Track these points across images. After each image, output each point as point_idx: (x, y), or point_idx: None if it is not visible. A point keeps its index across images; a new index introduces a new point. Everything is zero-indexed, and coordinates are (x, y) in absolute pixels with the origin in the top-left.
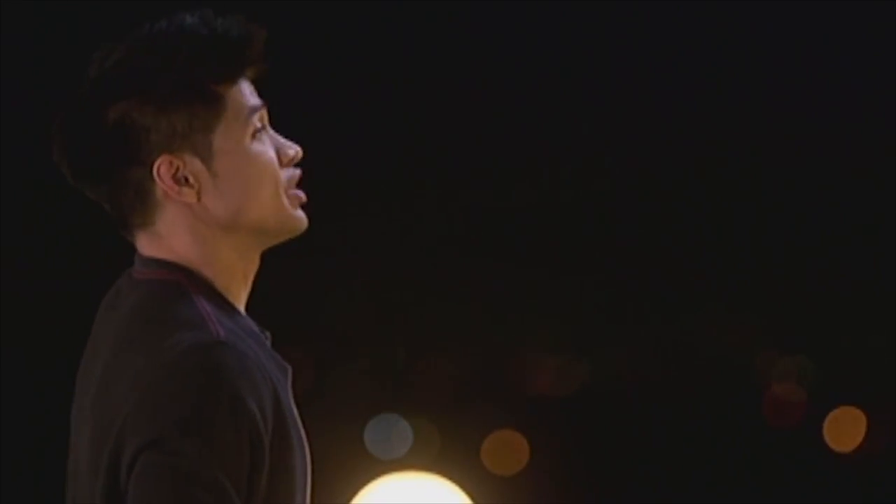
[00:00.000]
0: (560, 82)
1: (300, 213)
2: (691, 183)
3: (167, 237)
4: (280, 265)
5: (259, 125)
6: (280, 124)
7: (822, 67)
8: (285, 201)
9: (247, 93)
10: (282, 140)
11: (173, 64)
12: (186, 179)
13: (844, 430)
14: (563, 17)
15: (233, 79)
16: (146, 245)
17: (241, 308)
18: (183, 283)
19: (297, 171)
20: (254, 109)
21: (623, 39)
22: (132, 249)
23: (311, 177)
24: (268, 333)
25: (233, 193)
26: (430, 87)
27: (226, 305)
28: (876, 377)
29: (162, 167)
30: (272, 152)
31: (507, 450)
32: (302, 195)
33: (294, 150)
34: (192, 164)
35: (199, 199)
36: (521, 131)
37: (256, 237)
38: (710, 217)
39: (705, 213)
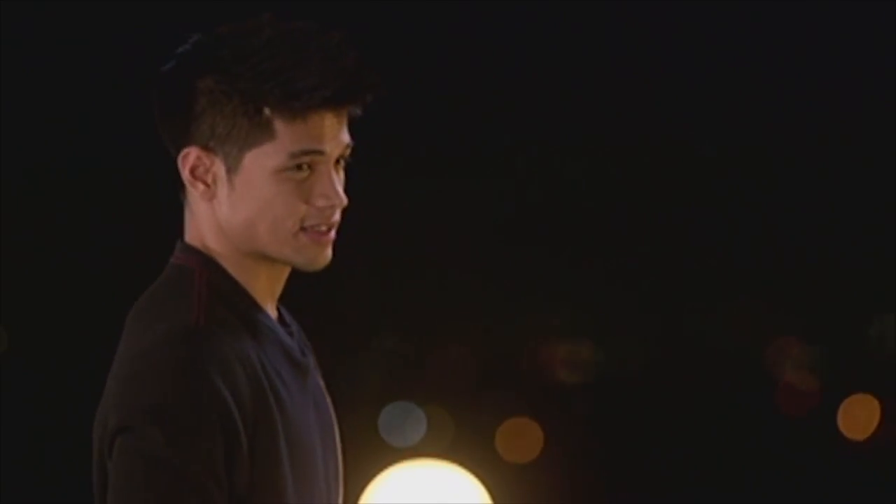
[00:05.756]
0: (589, 76)
1: (311, 252)
2: (705, 173)
3: (197, 220)
4: None
5: (297, 165)
6: None
7: (827, 62)
8: (292, 238)
9: (307, 132)
10: (328, 187)
11: (247, 72)
12: (205, 178)
13: (858, 417)
14: (607, 10)
15: (290, 116)
16: (187, 227)
17: (267, 301)
18: (195, 268)
19: (330, 215)
20: (298, 154)
21: (663, 29)
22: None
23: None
24: (293, 328)
25: (242, 212)
26: (448, 79)
27: (238, 296)
28: (890, 364)
29: (189, 156)
30: (289, 195)
31: (522, 437)
32: (321, 237)
33: (323, 202)
34: (217, 169)
35: (210, 200)
36: (539, 123)
37: (263, 257)
38: (724, 206)
39: (718, 202)
